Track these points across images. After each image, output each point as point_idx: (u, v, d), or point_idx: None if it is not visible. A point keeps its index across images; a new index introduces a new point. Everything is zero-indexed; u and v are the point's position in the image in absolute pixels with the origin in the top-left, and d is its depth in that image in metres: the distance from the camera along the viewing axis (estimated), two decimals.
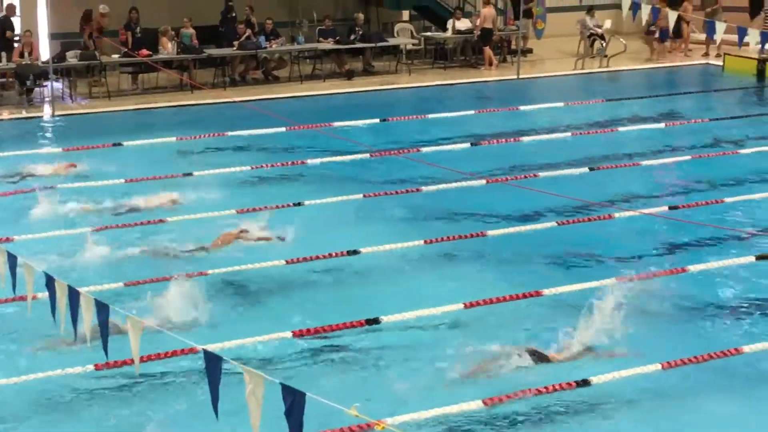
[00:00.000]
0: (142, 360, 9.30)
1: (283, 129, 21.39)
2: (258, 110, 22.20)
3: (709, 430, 10.61)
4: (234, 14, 27.81)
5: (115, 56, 25.72)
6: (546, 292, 13.64)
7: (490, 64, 28.99)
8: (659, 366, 11.61)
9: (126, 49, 25.63)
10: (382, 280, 14.13)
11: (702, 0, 31.46)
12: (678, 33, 30.51)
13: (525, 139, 21.49)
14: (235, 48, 26.69)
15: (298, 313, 12.98)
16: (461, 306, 13.12)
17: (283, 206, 16.93)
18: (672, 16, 26.51)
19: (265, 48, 26.89)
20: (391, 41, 28.96)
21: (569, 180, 18.52)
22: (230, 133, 21.05)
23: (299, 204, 17.08)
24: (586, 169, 19.27)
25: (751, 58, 28.56)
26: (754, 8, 31.04)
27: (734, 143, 21.48)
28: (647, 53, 31.29)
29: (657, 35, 30.19)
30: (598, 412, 10.75)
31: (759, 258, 14.83)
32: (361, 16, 28.46)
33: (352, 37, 27.77)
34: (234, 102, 23.72)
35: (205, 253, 14.94)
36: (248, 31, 26.96)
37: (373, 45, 28.25)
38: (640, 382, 11.32)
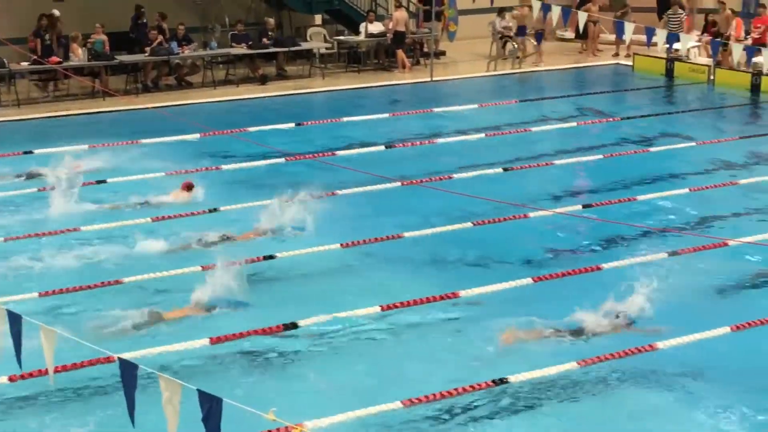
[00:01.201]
0: (56, 370, 9.18)
1: (197, 135, 21.26)
2: (171, 116, 22.05)
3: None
4: (145, 20, 27.60)
5: (25, 64, 25.37)
6: (462, 293, 13.72)
7: (404, 67, 29.09)
8: (575, 364, 11.76)
9: (35, 57, 25.30)
10: (299, 284, 14.09)
11: (610, 1, 31.81)
12: (585, 34, 30.84)
13: (439, 141, 21.60)
14: (147, 54, 26.48)
15: (215, 319, 12.93)
16: (378, 309, 13.16)
17: (198, 213, 16.83)
18: (582, 17, 26.85)
19: (178, 54, 26.71)
20: (304, 45, 28.92)
21: (484, 181, 18.64)
22: (143, 141, 20.85)
23: (215, 210, 16.99)
24: (500, 170, 19.40)
25: (659, 57, 28.98)
26: (662, 8, 31.47)
27: (645, 142, 21.76)
28: (559, 54, 31.59)
29: (534, 38, 30.21)
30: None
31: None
32: (271, 20, 28.37)
33: (265, 41, 27.68)
34: (147, 108, 23.53)
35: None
36: (160, 37, 26.76)
37: (286, 49, 28.18)
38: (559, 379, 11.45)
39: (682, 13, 30.03)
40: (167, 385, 7.35)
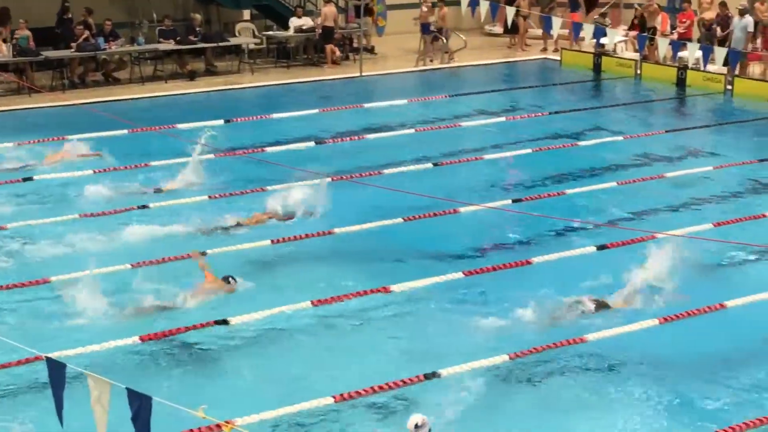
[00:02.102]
0: None
1: (125, 131, 21.07)
2: (99, 113, 21.82)
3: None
4: (71, 15, 27.27)
5: None
6: (394, 288, 13.75)
7: (333, 62, 29.04)
8: (506, 357, 11.83)
9: None
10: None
11: None
12: (513, 29, 30.98)
13: (369, 136, 21.57)
14: (73, 50, 26.18)
15: (145, 316, 12.85)
16: (309, 304, 13.15)
17: (126, 210, 16.70)
18: (510, 12, 26.99)
19: (104, 49, 26.44)
20: (233, 41, 28.75)
21: (414, 176, 18.67)
22: (71, 137, 20.60)
23: (145, 207, 16.86)
24: (430, 165, 19.43)
25: (587, 52, 29.19)
26: (589, 3, 31.70)
27: (573, 136, 21.92)
28: (488, 49, 31.70)
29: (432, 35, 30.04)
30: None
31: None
32: (198, 16, 28.16)
33: (191, 38, 27.47)
34: (74, 105, 23.27)
35: None
36: (86, 33, 26.46)
37: (214, 45, 28.01)
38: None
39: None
40: (96, 383, 7.28)
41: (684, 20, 28.37)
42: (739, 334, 12.78)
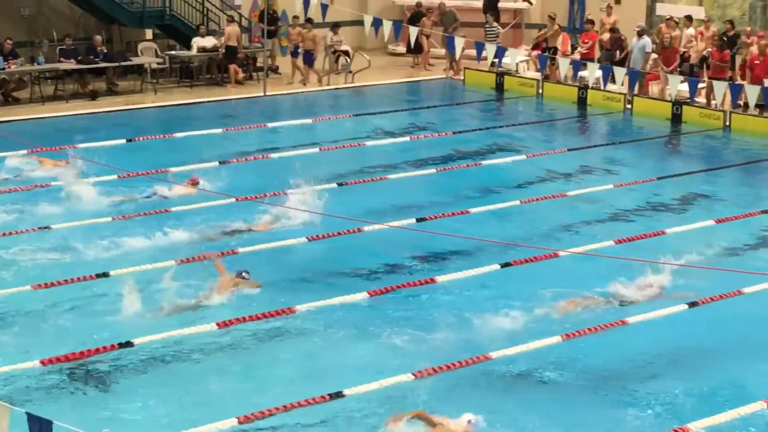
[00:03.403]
0: None
1: (25, 152, 20.78)
2: None
3: None
4: None
5: None
6: (299, 308, 13.74)
7: (237, 82, 28.95)
8: (411, 376, 11.88)
9: None
10: (134, 301, 13.85)
11: (441, 18, 32.20)
12: (417, 48, 31.16)
13: (273, 156, 21.50)
14: None
15: (45, 339, 12.69)
16: (215, 326, 13.08)
17: (29, 230, 16.48)
18: (413, 31, 27.19)
19: (4, 69, 26.08)
20: (135, 60, 28.52)
21: (319, 196, 18.66)
22: None
23: (46, 228, 16.64)
24: (335, 185, 19.44)
25: (489, 71, 29.46)
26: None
27: (476, 155, 22.10)
28: (392, 68, 31.84)
29: (301, 58, 29.67)
30: None
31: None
32: (98, 38, 27.85)
33: (91, 57, 27.17)
34: None
35: None
36: None
37: (116, 64, 27.77)
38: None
39: (496, 26, 30.61)
40: None
41: (586, 41, 28.81)
42: (636, 349, 13.01)
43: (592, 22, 29.20)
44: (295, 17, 29.30)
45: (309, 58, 29.41)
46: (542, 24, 30.90)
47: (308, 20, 29.34)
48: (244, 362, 12.48)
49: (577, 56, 28.49)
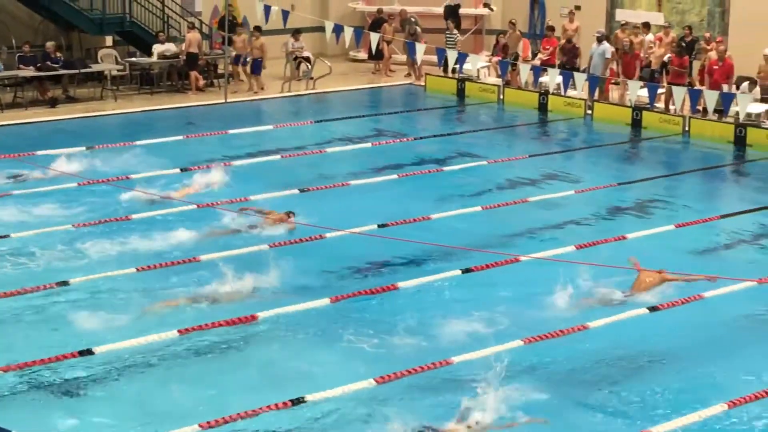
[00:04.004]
0: None
1: None
2: None
3: None
4: None
5: None
6: (261, 315, 13.72)
7: (197, 89, 28.86)
8: (373, 381, 11.88)
9: None
10: (91, 311, 13.78)
11: (401, 23, 32.21)
12: (378, 54, 31.16)
13: (236, 163, 21.40)
14: None
15: (5, 347, 12.62)
16: (177, 333, 13.04)
17: None
18: (374, 38, 27.21)
19: None
20: (95, 67, 28.37)
21: (281, 202, 18.63)
22: None
23: (5, 236, 16.52)
24: (296, 191, 19.41)
25: (451, 77, 29.50)
26: (457, 28, 32.01)
27: (438, 161, 22.11)
28: (353, 75, 31.82)
29: (249, 66, 29.40)
30: None
31: None
32: (49, 45, 27.57)
33: (48, 63, 26.96)
34: None
35: None
36: None
37: (76, 71, 27.62)
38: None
39: (456, 33, 30.70)
40: None
41: (547, 47, 28.93)
42: (598, 354, 13.08)
43: (552, 29, 29.35)
44: (240, 26, 29.21)
45: (257, 67, 29.23)
46: (503, 30, 30.98)
47: (256, 28, 29.26)
48: (205, 369, 12.46)
49: (537, 62, 28.59)
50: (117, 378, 12.14)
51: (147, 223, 17.25)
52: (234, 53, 29.26)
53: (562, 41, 28.77)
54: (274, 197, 18.87)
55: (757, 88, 24.97)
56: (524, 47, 29.98)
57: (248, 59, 29.15)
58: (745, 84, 25.08)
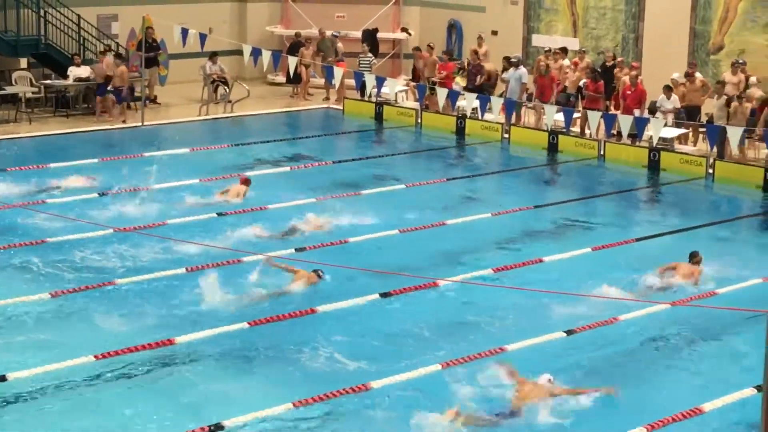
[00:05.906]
0: None
1: None
2: None
3: None
4: None
5: None
6: (178, 339, 13.64)
7: (118, 114, 28.56)
8: (290, 405, 11.87)
9: None
10: (5, 335, 13.63)
11: (319, 47, 32.23)
12: (298, 78, 31.18)
13: (154, 186, 21.16)
14: None
15: None
16: (93, 359, 12.93)
17: None
18: (292, 61, 27.24)
19: None
20: (9, 89, 28.05)
21: (198, 226, 18.53)
22: None
23: None
24: (214, 215, 19.31)
25: (369, 101, 29.56)
26: (374, 52, 32.11)
27: (356, 185, 22.13)
28: (271, 98, 31.77)
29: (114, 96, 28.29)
30: None
31: None
32: None
33: None
34: None
35: None
36: None
37: None
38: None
39: (371, 57, 30.86)
40: None
41: (442, 71, 29.19)
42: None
43: (450, 53, 29.85)
44: (102, 53, 28.96)
45: (119, 96, 28.37)
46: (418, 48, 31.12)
47: (117, 55, 29.02)
48: (121, 394, 12.34)
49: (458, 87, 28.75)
50: (27, 405, 11.99)
51: (62, 247, 17.08)
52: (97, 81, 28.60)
53: (466, 61, 29.16)
54: (192, 220, 18.78)
55: (674, 96, 25.32)
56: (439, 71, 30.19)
57: (109, 87, 28.41)
58: (662, 96, 25.44)
